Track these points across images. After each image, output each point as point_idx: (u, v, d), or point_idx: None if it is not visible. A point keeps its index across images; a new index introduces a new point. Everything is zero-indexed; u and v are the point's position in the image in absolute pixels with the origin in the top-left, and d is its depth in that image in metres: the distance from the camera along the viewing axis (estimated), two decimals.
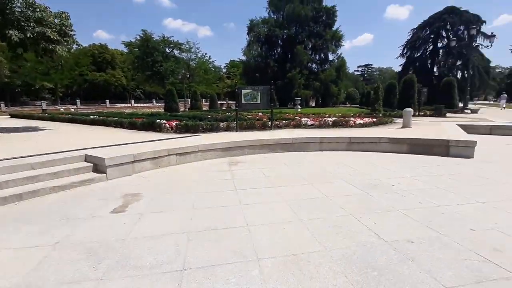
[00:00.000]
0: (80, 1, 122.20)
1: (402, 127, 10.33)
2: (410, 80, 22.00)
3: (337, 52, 54.52)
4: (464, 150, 6.50)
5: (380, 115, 16.90)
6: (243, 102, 9.54)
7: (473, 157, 6.42)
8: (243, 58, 55.24)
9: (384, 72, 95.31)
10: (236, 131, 9.35)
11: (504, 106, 29.08)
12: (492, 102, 57.80)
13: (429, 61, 44.54)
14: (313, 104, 58.30)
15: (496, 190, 4.13)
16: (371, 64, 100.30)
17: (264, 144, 7.36)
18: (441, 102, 22.38)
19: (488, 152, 7.02)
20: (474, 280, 2.08)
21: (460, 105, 24.15)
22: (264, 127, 10.21)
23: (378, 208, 3.52)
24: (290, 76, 48.44)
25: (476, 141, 6.39)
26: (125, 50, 57.20)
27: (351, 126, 10.79)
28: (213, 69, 71.54)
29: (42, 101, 37.52)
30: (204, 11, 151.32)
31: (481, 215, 3.25)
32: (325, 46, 54.13)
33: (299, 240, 2.72)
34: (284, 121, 11.55)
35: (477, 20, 38.98)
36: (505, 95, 30.58)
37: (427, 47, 45.40)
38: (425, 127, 10.42)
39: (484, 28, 39.11)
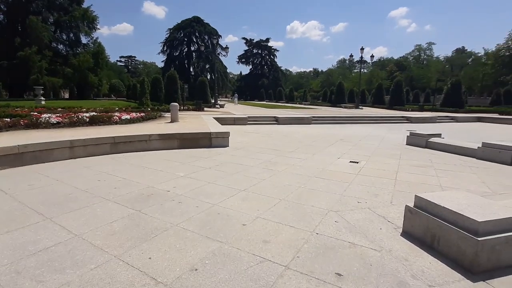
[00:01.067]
0: None
1: (171, 122, 10.37)
2: (173, 76, 23.39)
3: (92, 35, 47.34)
4: (222, 141, 7.42)
5: (149, 109, 16.42)
6: None
7: (228, 145, 7.50)
8: None
9: (149, 66, 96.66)
10: None
11: (236, 102, 39.88)
12: (230, 99, 76.84)
13: (186, 61, 50.53)
14: (67, 96, 47.29)
15: (249, 175, 4.81)
16: (135, 56, 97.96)
17: None
18: (198, 98, 25.87)
19: (235, 140, 8.59)
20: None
21: (212, 101, 29.38)
22: None
23: (153, 229, 2.76)
24: (22, 55, 35.50)
25: (229, 132, 7.49)
26: None
27: (116, 123, 9.28)
28: None
29: None
30: None
31: (246, 206, 3.45)
32: (75, 25, 45.05)
33: None
34: (9, 119, 7.77)
35: (216, 34, 49.35)
36: (236, 94, 43.25)
37: (183, 48, 51.19)
38: (191, 121, 11.20)
39: (220, 41, 50.47)
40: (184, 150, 6.87)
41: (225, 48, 27.69)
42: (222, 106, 26.14)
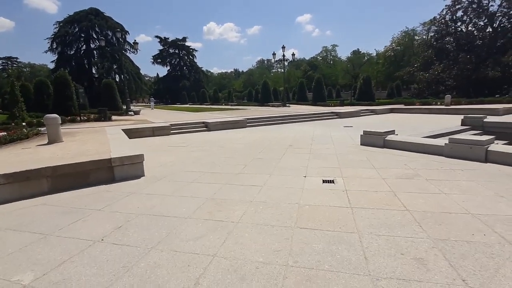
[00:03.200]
0: None
1: (48, 143, 6.91)
2: (63, 78, 18.16)
3: None
4: (132, 169, 4.79)
5: (24, 124, 11.86)
6: None
7: (144, 175, 4.92)
8: None
9: (38, 69, 79.37)
10: None
11: (153, 106, 35.87)
12: (146, 104, 69.30)
13: (85, 61, 42.32)
14: None
15: (181, 246, 2.55)
16: (16, 58, 78.76)
17: None
18: (105, 104, 21.15)
19: (155, 162, 6.01)
20: None
21: (124, 107, 24.72)
22: None
23: None
24: None
25: (143, 155, 4.90)
26: None
27: None
28: None
29: None
30: None
31: None
32: None
33: None
34: None
35: (122, 29, 42.84)
36: (153, 98, 39.01)
37: (80, 45, 42.73)
38: (84, 138, 7.87)
39: (129, 38, 44.07)
40: (60, 196, 4.00)
41: (135, 44, 23.46)
42: (137, 113, 22.04)
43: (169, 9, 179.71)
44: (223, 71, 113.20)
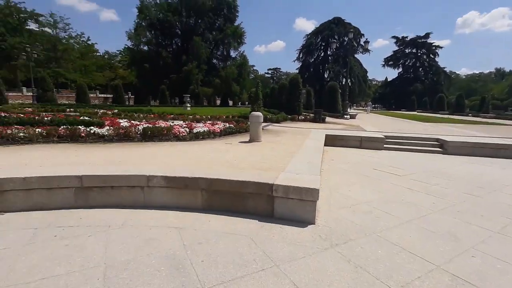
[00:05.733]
0: None
1: (249, 141, 6.88)
2: (295, 80, 20.19)
3: (239, 49, 52.31)
4: (297, 207, 3.08)
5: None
6: None
7: (313, 222, 3.06)
8: (130, 44, 46.21)
9: (290, 75, 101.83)
10: None
11: (369, 111, 33.98)
12: (363, 108, 66.84)
13: (320, 67, 47.01)
14: (219, 103, 54.18)
15: None
16: (280, 68, 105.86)
17: None
18: (327, 106, 21.71)
19: (344, 197, 3.93)
20: None
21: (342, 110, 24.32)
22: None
23: None
24: (186, 70, 42.97)
25: (317, 191, 3.02)
26: None
27: (178, 138, 6.71)
28: (98, 54, 58.91)
29: None
30: None
31: None
32: (227, 42, 51.08)
33: None
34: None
35: (358, 33, 43.00)
36: (370, 103, 37.40)
37: (319, 53, 47.93)
38: (282, 140, 7.30)
39: (362, 43, 43.51)
40: (210, 223, 3.07)
41: (366, 43, 21.90)
42: (353, 116, 20.64)
43: (412, 8, 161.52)
44: (475, 72, 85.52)
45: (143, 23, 44.29)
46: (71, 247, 2.46)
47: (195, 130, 7.36)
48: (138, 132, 6.50)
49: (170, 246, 2.53)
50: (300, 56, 49.54)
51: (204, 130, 7.40)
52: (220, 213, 3.28)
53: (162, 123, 8.14)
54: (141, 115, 13.11)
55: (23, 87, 36.15)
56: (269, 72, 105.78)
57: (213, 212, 3.29)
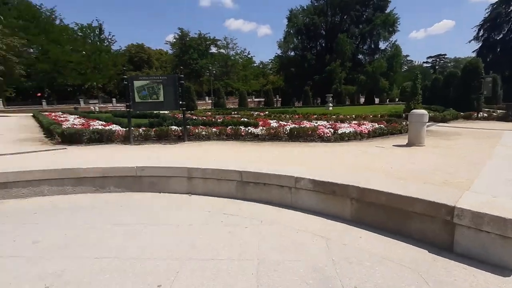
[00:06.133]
0: (149, 7, 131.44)
1: (407, 145, 5.71)
2: (473, 66, 15.45)
3: (390, 39, 46.33)
4: (497, 246, 2.12)
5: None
6: (138, 100, 6.27)
7: None
8: (279, 52, 50.90)
9: (461, 62, 79.96)
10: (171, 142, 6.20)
11: None
12: None
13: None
14: (363, 101, 50.42)
15: None
16: (445, 54, 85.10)
17: (81, 177, 4.03)
18: None
19: None
20: None
21: None
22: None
23: None
24: (329, 69, 42.63)
25: None
26: (171, 50, 58.45)
27: (322, 138, 6.61)
28: (254, 65, 69.01)
29: (80, 99, 40.57)
30: (265, 11, 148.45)
31: None
32: (376, 33, 46.51)
33: None
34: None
35: None
36: None
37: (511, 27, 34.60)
38: (457, 145, 5.60)
39: None
40: (364, 234, 2.70)
41: None
42: None
43: None
44: None
45: (291, 31, 47.65)
46: (233, 235, 2.79)
47: (339, 131, 6.98)
48: (286, 132, 6.88)
49: (317, 257, 2.37)
50: (480, 34, 37.67)
51: (349, 131, 6.89)
52: (372, 229, 2.81)
53: (306, 124, 8.29)
54: (287, 115, 14.04)
55: (206, 96, 48.45)
56: (429, 61, 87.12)
57: (363, 227, 2.87)
